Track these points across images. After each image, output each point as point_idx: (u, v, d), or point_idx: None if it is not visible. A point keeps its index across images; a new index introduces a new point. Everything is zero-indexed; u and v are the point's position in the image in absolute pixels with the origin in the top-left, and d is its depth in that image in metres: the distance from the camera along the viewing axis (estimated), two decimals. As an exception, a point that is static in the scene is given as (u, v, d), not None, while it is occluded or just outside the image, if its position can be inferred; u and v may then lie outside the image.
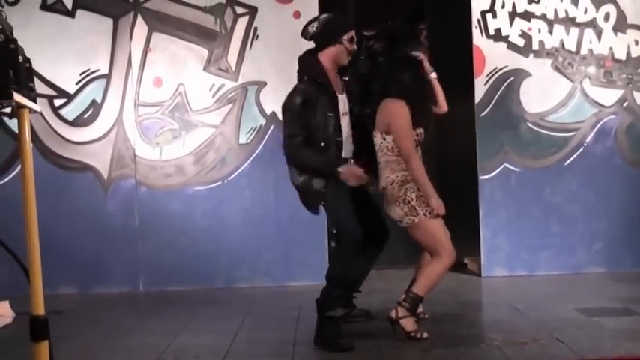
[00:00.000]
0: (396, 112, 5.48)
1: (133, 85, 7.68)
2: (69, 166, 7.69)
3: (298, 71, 5.67)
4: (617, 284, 7.09)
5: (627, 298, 6.35)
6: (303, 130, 5.46)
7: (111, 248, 7.66)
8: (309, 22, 5.68)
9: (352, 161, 5.62)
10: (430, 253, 5.56)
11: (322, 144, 5.50)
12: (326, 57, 5.59)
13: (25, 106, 3.01)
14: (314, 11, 7.60)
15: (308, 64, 5.65)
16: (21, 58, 2.91)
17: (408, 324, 5.48)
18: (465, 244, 7.74)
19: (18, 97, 2.89)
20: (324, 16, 5.73)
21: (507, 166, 7.77)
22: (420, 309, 5.81)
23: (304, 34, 5.70)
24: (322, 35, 5.60)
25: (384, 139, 5.54)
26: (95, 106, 7.70)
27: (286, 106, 5.55)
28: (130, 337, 5.99)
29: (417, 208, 5.46)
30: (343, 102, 5.64)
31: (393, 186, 5.51)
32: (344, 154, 5.58)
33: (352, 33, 5.63)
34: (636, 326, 5.64)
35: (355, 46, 5.64)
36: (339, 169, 5.46)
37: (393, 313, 5.50)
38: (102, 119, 7.70)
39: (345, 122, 5.62)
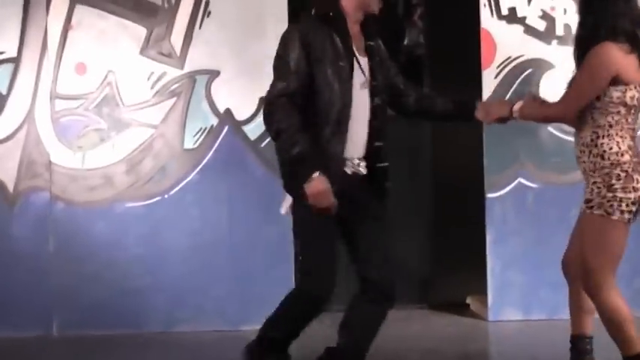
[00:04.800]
0: None
1: (48, 72, 6.59)
2: (-41, 176, 6.83)
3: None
4: None
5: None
6: (299, 86, 4.30)
7: (17, 281, 6.58)
8: None
9: (359, 164, 4.45)
10: None
11: (330, 121, 4.32)
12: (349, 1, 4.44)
13: None
14: (284, -18, 6.88)
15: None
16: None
17: None
18: (468, 280, 7.34)
19: None
20: None
21: (523, 181, 6.82)
22: None
23: None
24: None
25: None
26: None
27: (280, 42, 4.46)
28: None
29: None
30: (362, 68, 4.43)
31: None
32: (347, 151, 4.39)
33: None
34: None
35: None
36: (308, 182, 4.23)
37: None
38: (7, 115, 6.63)
39: (360, 97, 4.40)
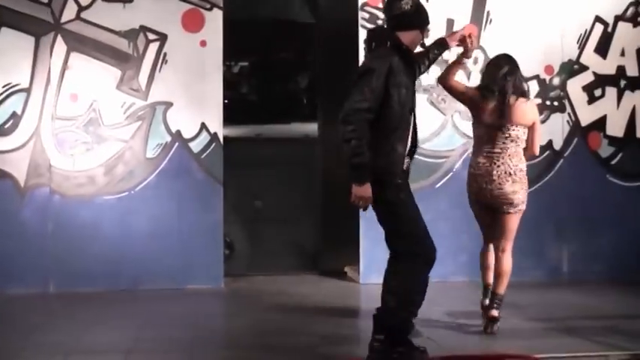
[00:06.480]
0: (537, 113, 6.14)
1: (51, 99, 7.69)
2: (-13, 174, 7.67)
3: (376, 39, 5.12)
4: (478, 291, 7.04)
5: (487, 303, 6.57)
6: (375, 104, 4.83)
7: (25, 251, 7.61)
8: None
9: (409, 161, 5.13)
10: (506, 240, 5.98)
11: (398, 128, 4.92)
12: (406, 38, 5.06)
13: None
14: (219, 40, 7.86)
15: (389, 35, 5.06)
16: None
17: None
18: (346, 254, 8.16)
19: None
20: None
21: (387, 186, 7.97)
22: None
23: (392, 8, 5.10)
24: (414, 16, 5.08)
25: (524, 133, 5.97)
26: (15, 118, 7.66)
27: (368, 69, 4.93)
28: (40, 334, 6.04)
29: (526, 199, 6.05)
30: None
31: (522, 173, 5.99)
32: (406, 151, 5.06)
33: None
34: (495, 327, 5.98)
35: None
36: (359, 186, 4.85)
37: (495, 313, 5.91)
38: (21, 130, 7.67)
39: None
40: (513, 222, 6.00)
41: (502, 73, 5.98)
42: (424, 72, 5.71)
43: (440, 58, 5.87)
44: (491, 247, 6.12)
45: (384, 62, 4.87)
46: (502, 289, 5.96)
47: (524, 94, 6.08)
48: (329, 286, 7.94)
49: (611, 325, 6.15)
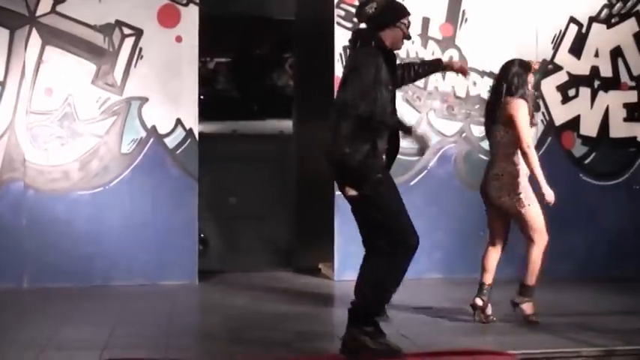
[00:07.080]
0: (519, 109, 6.02)
1: (25, 93, 7.67)
2: (-40, 168, 7.61)
3: (361, 39, 5.17)
4: (452, 288, 7.41)
5: (460, 300, 6.65)
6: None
7: (-2, 246, 7.63)
8: (366, 3, 5.14)
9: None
10: (526, 237, 6.08)
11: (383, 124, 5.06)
12: (387, 37, 5.11)
13: None
14: (195, 36, 7.89)
15: (372, 36, 5.11)
16: None
17: (528, 309, 6.14)
18: (321, 251, 8.24)
19: None
20: None
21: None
22: (489, 311, 6.17)
23: (360, 15, 5.21)
24: (382, 16, 5.10)
25: (507, 132, 6.00)
26: (-12, 112, 7.66)
27: (365, 63, 4.95)
28: (14, 330, 6.02)
29: (523, 200, 5.95)
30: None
31: (509, 176, 6.02)
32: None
33: (409, 18, 5.26)
34: (468, 324, 6.17)
35: (409, 32, 5.29)
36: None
37: (478, 302, 6.09)
38: (-6, 124, 7.67)
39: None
40: (521, 220, 6.08)
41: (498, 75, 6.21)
42: (406, 83, 5.75)
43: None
44: (492, 248, 6.25)
45: (373, 59, 4.95)
46: (528, 280, 6.11)
47: (510, 92, 6.09)
48: (303, 282, 8.00)
49: (582, 322, 6.24)
